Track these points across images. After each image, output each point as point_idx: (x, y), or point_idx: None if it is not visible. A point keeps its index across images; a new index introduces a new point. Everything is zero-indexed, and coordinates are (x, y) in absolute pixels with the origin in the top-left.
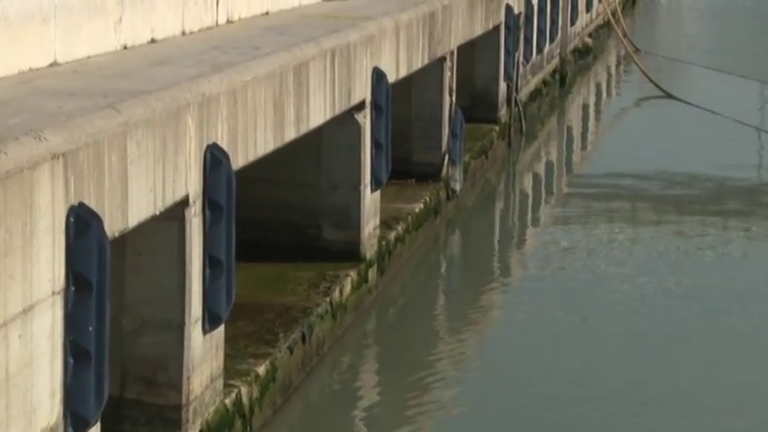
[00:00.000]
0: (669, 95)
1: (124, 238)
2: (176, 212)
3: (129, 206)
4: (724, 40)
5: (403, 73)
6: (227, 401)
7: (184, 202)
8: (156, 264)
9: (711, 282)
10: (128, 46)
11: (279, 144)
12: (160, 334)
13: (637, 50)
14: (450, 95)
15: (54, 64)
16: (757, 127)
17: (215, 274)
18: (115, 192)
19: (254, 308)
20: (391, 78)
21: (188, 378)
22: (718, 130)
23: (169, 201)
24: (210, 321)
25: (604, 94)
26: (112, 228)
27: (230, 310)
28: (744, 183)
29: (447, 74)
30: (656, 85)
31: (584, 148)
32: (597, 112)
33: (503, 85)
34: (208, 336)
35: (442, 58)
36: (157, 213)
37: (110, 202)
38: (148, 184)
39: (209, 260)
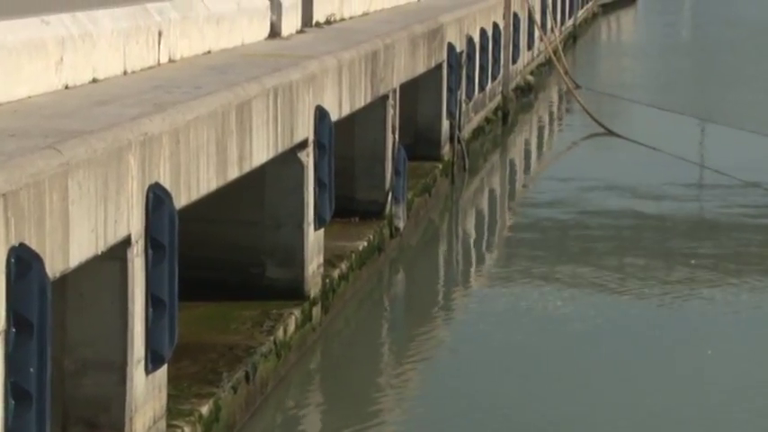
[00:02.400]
0: (610, 132)
1: (65, 279)
2: (118, 252)
3: (71, 246)
4: (664, 76)
5: (346, 111)
6: None
7: (126, 242)
8: (97, 304)
9: (656, 317)
10: (69, 86)
11: (222, 183)
12: (102, 375)
13: (578, 87)
14: (393, 133)
15: None
16: (698, 163)
17: (157, 314)
18: (56, 232)
19: (198, 347)
20: (334, 117)
21: (130, 419)
22: (658, 166)
23: (111, 241)
24: (153, 361)
25: (546, 131)
26: (54, 268)
27: (173, 350)
28: (685, 218)
29: (390, 112)
30: (597, 122)
31: (526, 185)
32: (539, 148)
33: (445, 123)
34: (150, 376)
35: (385, 97)
36: (99, 253)
37: (51, 243)
38: (90, 224)
39: (152, 300)
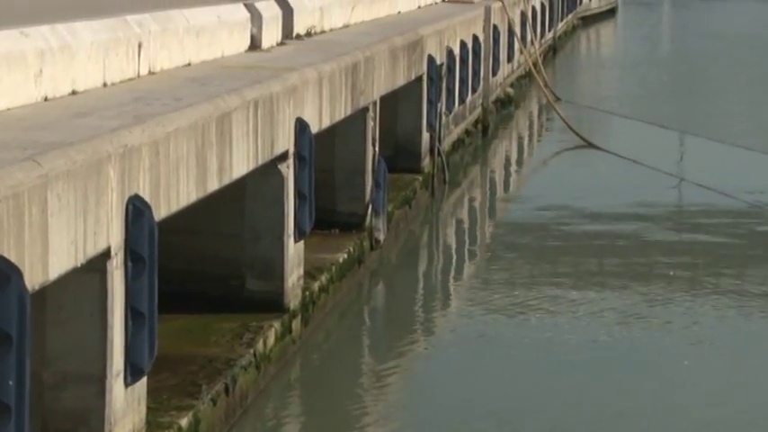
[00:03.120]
0: (590, 144)
1: (45, 291)
2: (98, 265)
3: (50, 259)
4: (643, 89)
5: (326, 123)
6: None
7: (106, 255)
8: (77, 317)
9: (636, 330)
10: (48, 98)
11: (201, 195)
12: (81, 387)
13: (557, 100)
14: (374, 145)
15: None
16: (677, 175)
17: (137, 327)
18: (35, 244)
19: (177, 360)
20: (314, 129)
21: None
22: (638, 178)
23: (90, 253)
24: (132, 374)
25: (526, 144)
26: (33, 281)
27: (153, 363)
28: (664, 230)
29: (370, 124)
30: (577, 134)
31: (506, 197)
32: (519, 161)
33: (426, 136)
34: (130, 389)
35: (365, 109)
36: (79, 266)
37: (30, 255)
38: (69, 236)
39: (132, 312)
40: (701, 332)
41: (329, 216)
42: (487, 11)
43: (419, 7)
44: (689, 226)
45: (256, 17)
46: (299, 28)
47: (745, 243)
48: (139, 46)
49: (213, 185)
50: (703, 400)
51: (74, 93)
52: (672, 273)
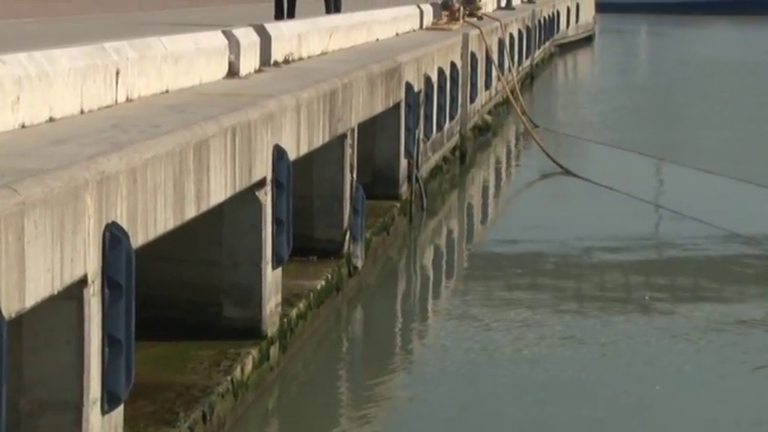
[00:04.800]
0: (567, 171)
1: (21, 319)
2: (75, 292)
3: (27, 286)
4: (620, 115)
5: (304, 150)
6: None
7: (83, 282)
8: (53, 344)
9: (612, 353)
10: (26, 125)
11: (179, 222)
12: (58, 415)
13: (535, 127)
14: (352, 172)
15: None
16: (653, 202)
17: (114, 354)
18: (12, 272)
19: (155, 387)
20: (292, 156)
21: None
22: (615, 205)
23: (67, 280)
24: (109, 402)
25: (504, 171)
26: (9, 308)
27: (130, 390)
28: (640, 256)
29: (348, 151)
30: (554, 161)
31: (484, 224)
32: (497, 188)
33: (404, 162)
34: (107, 416)
35: (343, 136)
36: (55, 293)
37: (6, 283)
38: (46, 263)
39: (108, 340)
40: (676, 358)
41: (307, 243)
42: (465, 38)
43: (397, 34)
44: (665, 252)
45: (234, 44)
46: (276, 55)
47: (720, 269)
48: (117, 73)
49: (191, 212)
50: (675, 425)
51: (51, 120)
52: (647, 297)
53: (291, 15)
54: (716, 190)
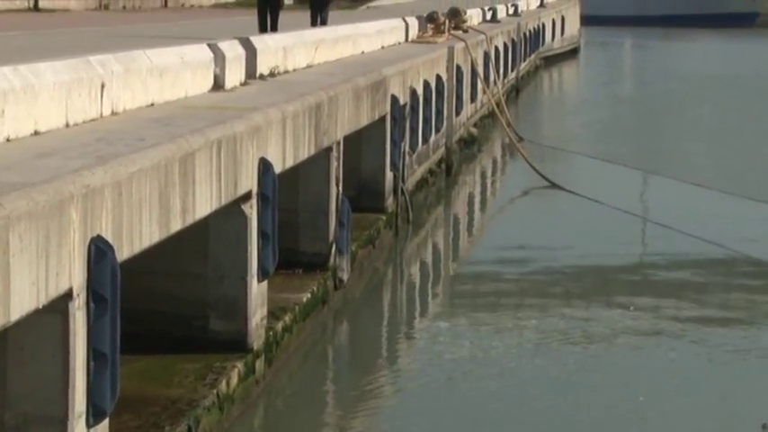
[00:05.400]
0: (553, 184)
1: (6, 333)
2: (60, 306)
3: (12, 300)
4: (606, 128)
5: (289, 163)
6: None
7: (68, 295)
8: (38, 358)
9: (597, 364)
10: (10, 138)
11: (164, 235)
12: (43, 429)
13: (521, 140)
14: (337, 185)
15: None
16: (639, 215)
17: (99, 368)
18: None
19: (140, 401)
20: (278, 169)
21: None
22: (600, 218)
23: (52, 294)
24: (95, 415)
25: (489, 184)
26: None
27: (115, 404)
28: (626, 269)
29: (333, 164)
30: (540, 174)
31: (470, 237)
32: (483, 201)
33: (389, 175)
34: (92, 430)
35: (329, 149)
36: (40, 307)
37: None
38: (31, 277)
39: (94, 353)
40: (662, 369)
41: (293, 256)
42: (451, 51)
43: (382, 47)
44: (650, 264)
45: (220, 57)
46: (262, 68)
47: (705, 280)
48: (102, 86)
49: (176, 226)
50: None
51: (36, 133)
52: (631, 308)
53: (274, 29)
54: (700, 202)
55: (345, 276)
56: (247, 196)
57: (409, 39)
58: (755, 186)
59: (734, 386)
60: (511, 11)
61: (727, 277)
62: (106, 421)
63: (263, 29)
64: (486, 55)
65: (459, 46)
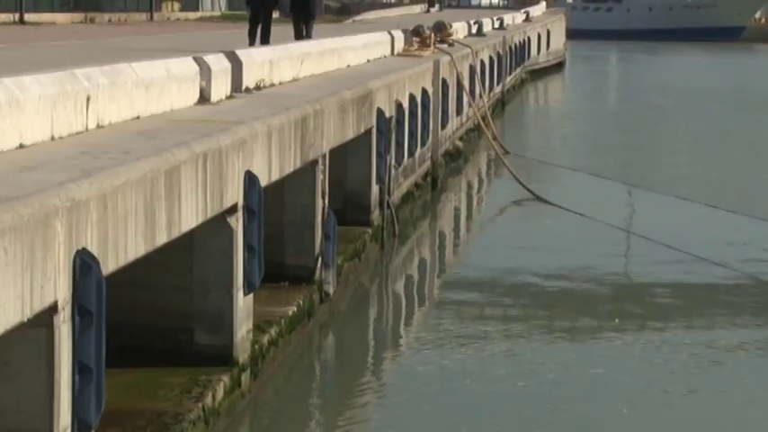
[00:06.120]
0: (538, 198)
1: None
2: (45, 319)
3: None
4: (591, 141)
5: (275, 176)
6: None
7: (53, 309)
8: (23, 371)
9: (583, 376)
10: None
11: (150, 248)
12: None
13: (506, 153)
14: (323, 198)
15: None
16: (624, 228)
17: (84, 381)
18: None
19: (125, 414)
20: (264, 182)
21: None
22: (585, 231)
23: (37, 307)
24: (80, 429)
25: (475, 197)
26: None
27: (100, 418)
28: (611, 283)
29: (319, 177)
30: (525, 188)
31: (456, 250)
32: (468, 214)
33: (375, 188)
34: None
35: (315, 162)
36: (25, 320)
37: None
38: (16, 290)
39: (79, 367)
40: (644, 382)
41: (278, 269)
42: (436, 64)
43: (368, 61)
44: (635, 278)
45: (205, 70)
46: (248, 81)
47: (690, 294)
48: (88, 99)
49: (162, 239)
50: None
51: (21, 146)
52: (616, 320)
53: (266, 41)
54: (684, 215)
55: (331, 290)
56: (233, 209)
57: (395, 52)
58: (738, 199)
59: (717, 396)
60: (496, 24)
61: (711, 291)
62: None
63: (252, 42)
64: (472, 68)
65: (445, 59)
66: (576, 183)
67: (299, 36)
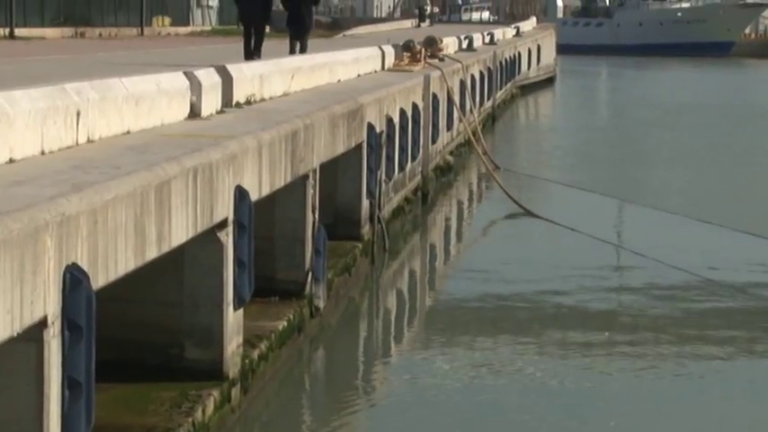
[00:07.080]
0: (529, 213)
1: None
2: (34, 334)
3: None
4: (582, 157)
5: (266, 191)
6: None
7: (43, 324)
8: (12, 386)
9: (573, 393)
10: None
11: (140, 263)
12: None
13: (497, 168)
14: (313, 213)
15: None
16: (615, 244)
17: (74, 397)
18: None
19: (115, 430)
20: (254, 196)
21: None
22: (576, 247)
23: (27, 322)
24: None
25: (466, 212)
26: None
27: None
28: (603, 299)
29: (310, 191)
30: (516, 203)
31: (446, 265)
32: (459, 229)
33: (365, 203)
34: None
35: (305, 176)
36: (15, 335)
37: None
38: (5, 305)
39: (69, 382)
40: (635, 398)
41: (269, 284)
42: (427, 79)
43: (359, 75)
44: (626, 293)
45: (196, 85)
46: (238, 96)
47: (681, 309)
48: (78, 114)
49: (152, 254)
50: None
51: (11, 161)
52: (607, 334)
53: (257, 53)
54: (674, 229)
55: (321, 304)
56: (223, 224)
57: (386, 67)
58: (727, 213)
59: (710, 411)
60: (487, 39)
61: (703, 305)
62: None
63: (248, 56)
64: (463, 83)
65: (436, 74)
66: (566, 197)
67: (293, 50)
